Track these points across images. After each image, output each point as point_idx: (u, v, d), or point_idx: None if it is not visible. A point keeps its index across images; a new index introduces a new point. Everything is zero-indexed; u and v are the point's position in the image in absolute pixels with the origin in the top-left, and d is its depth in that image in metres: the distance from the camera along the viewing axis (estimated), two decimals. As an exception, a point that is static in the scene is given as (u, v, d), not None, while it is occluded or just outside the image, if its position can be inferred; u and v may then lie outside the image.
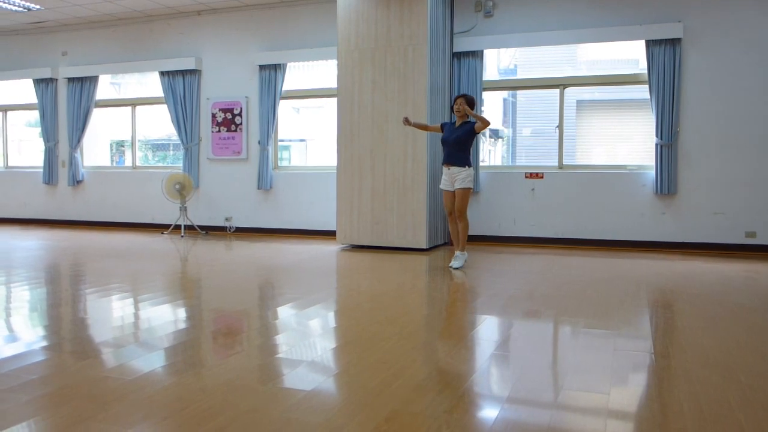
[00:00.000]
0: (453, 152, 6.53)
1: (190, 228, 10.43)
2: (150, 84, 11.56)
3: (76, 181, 11.56)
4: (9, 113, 12.65)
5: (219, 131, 10.48)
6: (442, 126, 6.78)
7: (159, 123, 11.74)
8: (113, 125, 12.18)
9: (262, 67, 10.07)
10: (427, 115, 7.99)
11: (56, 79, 11.68)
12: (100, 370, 3.28)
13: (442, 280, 6.29)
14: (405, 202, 8.11)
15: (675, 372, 3.31)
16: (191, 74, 10.59)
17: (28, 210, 12.13)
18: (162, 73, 10.71)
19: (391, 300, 5.13)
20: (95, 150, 12.09)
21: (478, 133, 6.49)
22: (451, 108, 6.59)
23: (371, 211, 8.30)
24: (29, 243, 9.32)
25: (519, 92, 10.43)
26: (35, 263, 7.56)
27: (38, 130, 12.43)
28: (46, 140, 11.75)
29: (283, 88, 10.05)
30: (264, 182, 10.06)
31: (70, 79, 11.47)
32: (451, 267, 6.60)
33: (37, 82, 11.76)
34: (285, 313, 4.71)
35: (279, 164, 10.37)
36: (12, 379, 3.11)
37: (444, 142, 6.63)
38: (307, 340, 3.92)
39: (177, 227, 10.43)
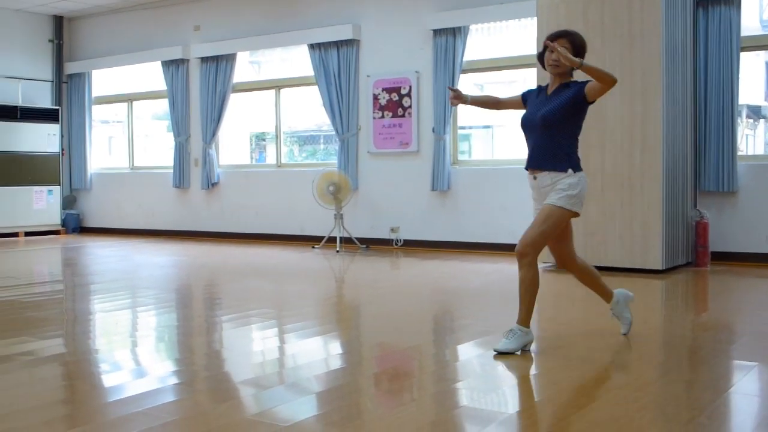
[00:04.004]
0: (541, 144, 4.67)
1: (347, 241, 10.73)
2: (296, 61, 12.04)
3: (210, 184, 12.30)
4: (135, 103, 13.74)
5: (382, 117, 10.70)
6: (525, 98, 4.95)
7: (307, 109, 12.20)
8: (253, 114, 12.82)
9: (436, 32, 10.15)
10: (661, 89, 7.65)
11: (187, 60, 12.50)
12: (246, 415, 3.47)
13: (684, 313, 6.01)
14: (631, 207, 7.82)
15: None
16: (347, 46, 10.90)
17: (157, 219, 13.07)
18: (311, 47, 11.12)
19: (615, 339, 4.97)
20: (233, 145, 12.81)
21: (592, 101, 4.65)
22: (540, 58, 4.74)
23: (583, 218, 8.05)
24: (158, 259, 10.04)
25: (794, 51, 9.73)
26: (164, 283, 8.13)
27: (166, 123, 13.38)
28: (176, 134, 12.61)
29: (464, 59, 10.07)
30: (440, 182, 10.13)
31: (203, 59, 12.23)
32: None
33: (166, 64, 12.67)
34: (468, 352, 4.69)
35: (458, 158, 10.40)
36: (150, 418, 3.35)
37: (525, 125, 4.78)
38: (498, 390, 3.86)
39: (331, 240, 10.75)
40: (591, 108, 7.92)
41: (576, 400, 3.62)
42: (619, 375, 4.05)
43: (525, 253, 4.62)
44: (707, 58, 8.57)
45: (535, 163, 4.67)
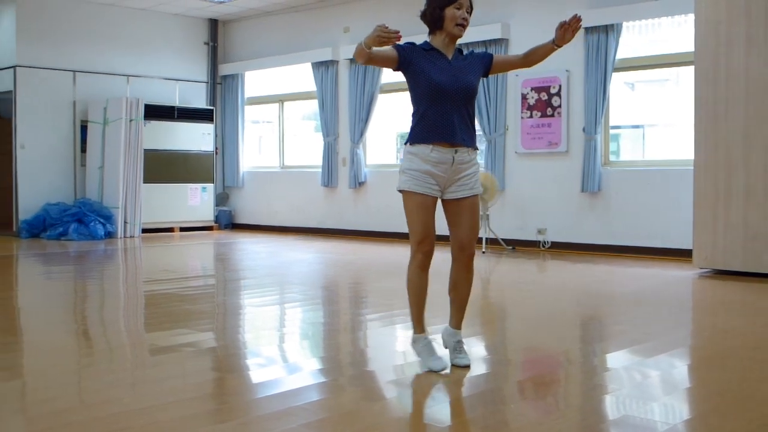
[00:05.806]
0: (465, 115, 4.15)
1: (493, 242, 10.63)
2: (444, 61, 12.02)
3: (357, 183, 12.45)
4: (285, 103, 14.08)
5: (531, 117, 10.54)
6: (406, 57, 4.25)
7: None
8: (399, 114, 12.90)
9: (588, 30, 9.89)
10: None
11: (337, 61, 12.71)
12: (398, 415, 3.54)
13: None
14: (795, 211, 7.43)
15: None
16: (496, 45, 10.79)
17: (304, 217, 13.35)
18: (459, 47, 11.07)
19: (780, 351, 4.69)
20: (379, 145, 12.91)
21: (487, 76, 4.43)
22: (428, 15, 4.43)
23: (744, 222, 7.73)
24: (306, 256, 10.24)
25: None
26: (312, 280, 8.28)
27: (314, 123, 13.64)
28: (325, 134, 12.83)
29: (617, 57, 9.78)
30: (590, 182, 9.88)
31: (353, 60, 12.38)
32: (458, 364, 4.22)
33: (316, 65, 12.91)
34: (618, 360, 4.55)
35: (609, 159, 10.12)
36: (307, 413, 3.44)
37: (444, 91, 4.11)
38: (655, 401, 3.69)
39: (477, 240, 10.68)
40: (753, 106, 7.63)
41: (744, 414, 3.41)
42: (787, 390, 3.81)
43: (472, 252, 4.52)
44: None
45: (462, 138, 4.10)
